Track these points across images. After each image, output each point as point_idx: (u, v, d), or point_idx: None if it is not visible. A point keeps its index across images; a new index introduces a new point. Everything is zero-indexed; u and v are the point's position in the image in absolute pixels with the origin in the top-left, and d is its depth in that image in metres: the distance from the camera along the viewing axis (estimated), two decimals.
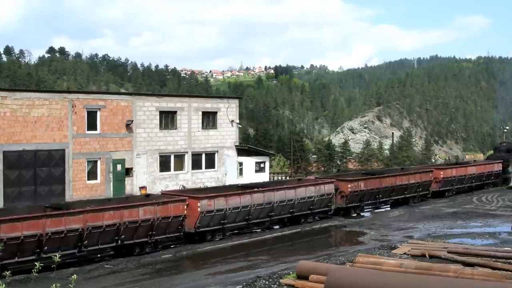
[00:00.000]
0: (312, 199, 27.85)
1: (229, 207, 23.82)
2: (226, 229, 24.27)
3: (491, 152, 53.28)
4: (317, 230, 26.99)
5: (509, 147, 48.90)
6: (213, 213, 23.21)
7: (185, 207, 22.24)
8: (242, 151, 40.55)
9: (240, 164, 40.32)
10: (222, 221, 23.76)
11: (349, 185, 29.96)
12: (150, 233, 21.14)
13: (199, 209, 22.60)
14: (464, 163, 47.30)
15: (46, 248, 18.23)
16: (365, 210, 32.04)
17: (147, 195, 24.58)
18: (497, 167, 43.48)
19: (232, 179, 38.57)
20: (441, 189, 37.43)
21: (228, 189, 27.49)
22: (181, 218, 22.16)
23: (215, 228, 23.56)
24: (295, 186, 27.74)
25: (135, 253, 20.80)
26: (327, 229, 27.36)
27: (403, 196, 34.03)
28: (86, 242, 19.31)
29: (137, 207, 20.92)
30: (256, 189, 26.19)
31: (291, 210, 26.90)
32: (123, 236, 20.34)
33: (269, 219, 26.09)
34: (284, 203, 26.38)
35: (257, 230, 26.32)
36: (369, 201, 31.93)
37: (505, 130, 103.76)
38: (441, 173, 37.50)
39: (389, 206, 33.75)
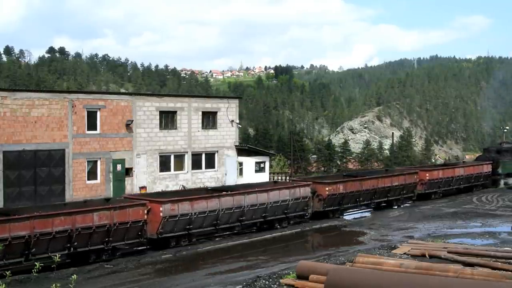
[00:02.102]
0: (287, 202, 26.56)
1: (195, 212, 22.54)
2: (193, 234, 23.01)
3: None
4: (318, 230, 26.98)
5: (499, 147, 47.97)
6: (177, 218, 21.98)
7: (145, 211, 21.10)
8: (242, 151, 40.55)
9: (240, 164, 40.31)
10: (188, 227, 22.50)
11: (327, 188, 28.72)
12: (107, 239, 19.96)
13: (161, 214, 21.43)
14: (451, 164, 46.07)
15: None
16: (346, 214, 30.80)
17: (107, 199, 23.14)
18: (487, 168, 42.30)
19: (232, 179, 38.58)
20: (426, 191, 36.13)
21: (196, 192, 26.15)
22: (141, 224, 20.96)
23: (180, 234, 22.36)
24: (267, 189, 26.42)
25: (91, 261, 19.65)
26: (327, 229, 27.34)
27: (386, 199, 32.78)
28: (34, 250, 18.01)
29: (91, 212, 19.71)
30: (224, 193, 24.82)
31: (263, 215, 25.63)
32: (76, 243, 19.14)
33: (240, 224, 24.91)
34: (256, 207, 25.08)
35: (253, 230, 26.27)
36: (349, 205, 30.55)
37: (505, 130, 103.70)
38: (427, 174, 36.21)
39: (371, 209, 32.55)
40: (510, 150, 46.44)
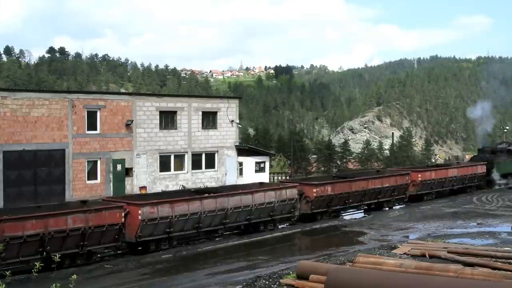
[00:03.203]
0: (272, 205, 25.70)
1: (175, 215, 21.79)
2: (173, 238, 22.23)
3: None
4: (318, 230, 26.98)
5: (494, 148, 47.15)
6: (157, 221, 21.26)
7: (123, 214, 20.38)
8: (242, 151, 40.57)
9: (240, 164, 40.35)
10: (168, 230, 21.75)
11: (315, 190, 27.85)
12: (82, 243, 19.18)
13: (140, 217, 20.71)
14: (445, 165, 45.09)
15: None
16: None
17: (84, 202, 22.32)
18: (481, 169, 41.37)
19: (232, 179, 38.60)
20: (419, 192, 35.34)
21: (177, 195, 25.43)
22: (118, 227, 20.22)
23: (160, 237, 21.64)
24: (252, 191, 25.60)
25: (65, 266, 18.90)
26: (327, 229, 27.34)
27: (376, 200, 31.97)
28: (3, 254, 17.20)
29: (65, 215, 18.98)
30: (207, 195, 24.19)
31: (248, 217, 24.81)
32: (48, 248, 18.28)
33: (223, 226, 24.10)
34: (240, 210, 24.28)
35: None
36: (338, 207, 29.79)
37: (505, 130, 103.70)
38: (419, 175, 35.37)
39: (362, 211, 32.07)
40: (505, 151, 45.78)
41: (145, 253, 21.17)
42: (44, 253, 18.30)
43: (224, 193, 24.60)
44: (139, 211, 20.77)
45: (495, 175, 43.11)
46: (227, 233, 25.07)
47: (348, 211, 31.64)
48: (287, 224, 27.41)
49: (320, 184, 28.82)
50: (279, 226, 26.91)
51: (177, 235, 22.33)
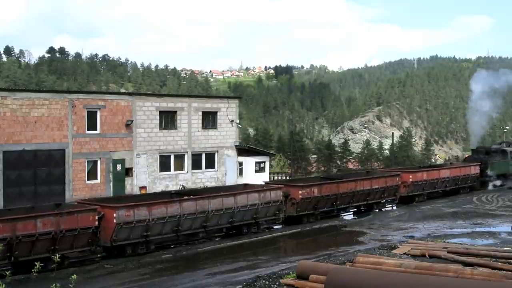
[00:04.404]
0: (256, 207, 24.95)
1: (153, 218, 21.11)
2: (151, 242, 21.53)
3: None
4: (317, 230, 26.97)
5: (488, 148, 46.36)
6: (133, 225, 20.57)
7: (96, 217, 19.70)
8: (242, 151, 40.57)
9: (240, 164, 40.35)
10: (145, 233, 21.05)
11: (300, 191, 27.05)
12: (53, 248, 18.38)
13: (115, 220, 20.04)
14: (437, 166, 44.23)
15: None
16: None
17: (58, 204, 21.64)
18: (474, 170, 40.54)
19: (232, 179, 38.61)
20: (410, 194, 34.60)
21: (155, 197, 24.55)
22: (91, 230, 19.52)
23: (136, 241, 20.94)
24: (234, 193, 24.81)
25: (36, 271, 17.87)
26: (328, 229, 27.34)
27: (365, 202, 31.27)
28: None
29: (34, 219, 18.19)
30: (186, 197, 23.56)
31: (230, 220, 24.07)
32: (17, 252, 17.66)
33: (204, 230, 23.48)
34: (222, 212, 23.54)
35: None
36: (325, 209, 29.11)
37: (505, 130, 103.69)
38: (410, 176, 34.61)
39: (351, 213, 31.50)
40: (499, 151, 44.96)
41: (121, 257, 20.40)
42: (13, 258, 17.71)
43: (204, 195, 23.92)
44: (114, 214, 20.13)
45: (489, 176, 42.38)
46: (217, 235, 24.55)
47: (342, 212, 31.23)
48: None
49: (306, 186, 28.00)
50: (277, 227, 26.86)
51: (155, 238, 21.69)
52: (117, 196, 28.49)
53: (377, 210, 31.97)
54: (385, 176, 33.19)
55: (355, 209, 31.75)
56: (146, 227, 21.07)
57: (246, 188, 27.14)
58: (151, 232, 21.27)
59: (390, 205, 34.09)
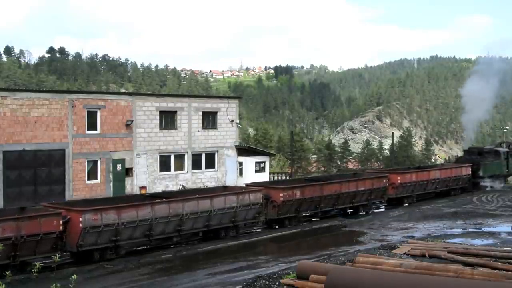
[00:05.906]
0: (234, 210, 24.10)
1: (122, 222, 20.19)
2: (121, 247, 20.69)
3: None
4: (317, 230, 26.98)
5: (481, 149, 45.39)
6: (101, 229, 19.64)
7: (60, 222, 18.79)
8: (242, 151, 40.58)
9: (240, 164, 40.36)
10: (114, 238, 20.13)
11: (281, 194, 26.11)
12: (13, 254, 17.55)
13: (81, 225, 19.15)
14: (427, 167, 42.86)
15: None
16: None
17: (22, 208, 20.62)
18: (466, 171, 39.41)
19: (232, 179, 38.62)
20: (398, 195, 33.66)
21: (125, 200, 23.69)
22: (56, 235, 18.55)
23: (105, 246, 20.08)
24: (210, 195, 23.96)
25: None
26: (328, 228, 27.33)
27: (351, 204, 30.26)
28: None
29: None
30: (159, 200, 22.62)
31: (206, 223, 23.24)
32: None
33: (178, 234, 22.52)
34: (197, 215, 22.69)
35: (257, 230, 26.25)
36: (308, 212, 28.25)
37: (505, 130, 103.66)
38: (398, 178, 33.59)
39: (339, 215, 30.62)
40: (492, 152, 43.98)
41: (89, 264, 19.58)
42: None
43: (178, 198, 23.10)
44: (80, 218, 19.24)
45: (481, 177, 41.38)
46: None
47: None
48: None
49: (288, 188, 27.00)
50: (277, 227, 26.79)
51: (125, 243, 20.89)
52: (84, 200, 26.96)
53: (363, 213, 30.99)
54: (372, 177, 32.16)
55: (341, 212, 30.65)
56: (115, 232, 20.18)
57: (225, 190, 26.37)
58: (120, 237, 20.40)
59: (378, 207, 32.95)
